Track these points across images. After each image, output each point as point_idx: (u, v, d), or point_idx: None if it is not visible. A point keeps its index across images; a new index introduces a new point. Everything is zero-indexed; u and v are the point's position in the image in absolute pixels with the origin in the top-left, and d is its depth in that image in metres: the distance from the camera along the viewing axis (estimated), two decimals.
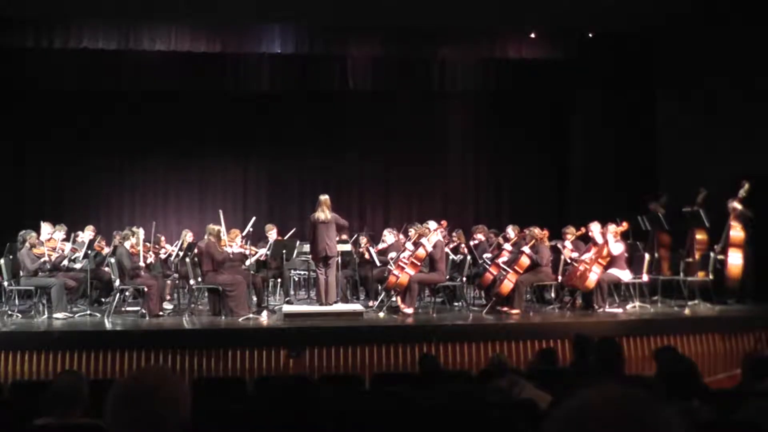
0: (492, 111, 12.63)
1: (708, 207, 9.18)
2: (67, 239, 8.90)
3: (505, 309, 8.30)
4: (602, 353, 3.83)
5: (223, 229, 8.43)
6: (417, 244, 8.53)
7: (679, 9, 9.81)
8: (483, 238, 9.51)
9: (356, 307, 8.44)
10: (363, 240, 9.83)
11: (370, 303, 8.95)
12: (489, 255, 9.16)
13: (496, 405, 3.66)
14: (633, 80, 11.27)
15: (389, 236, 9.58)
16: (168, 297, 8.88)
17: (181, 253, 9.20)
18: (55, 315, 7.76)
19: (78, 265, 8.78)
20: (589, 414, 1.02)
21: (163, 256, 9.57)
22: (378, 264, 9.23)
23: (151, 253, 8.80)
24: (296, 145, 12.25)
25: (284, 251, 8.93)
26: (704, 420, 3.00)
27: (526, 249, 8.41)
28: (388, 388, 4.71)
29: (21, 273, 8.10)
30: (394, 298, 8.63)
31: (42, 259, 8.01)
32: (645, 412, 1.01)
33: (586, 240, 8.86)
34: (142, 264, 8.20)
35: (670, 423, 1.01)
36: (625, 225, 8.60)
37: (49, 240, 8.42)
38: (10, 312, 8.04)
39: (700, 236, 9.21)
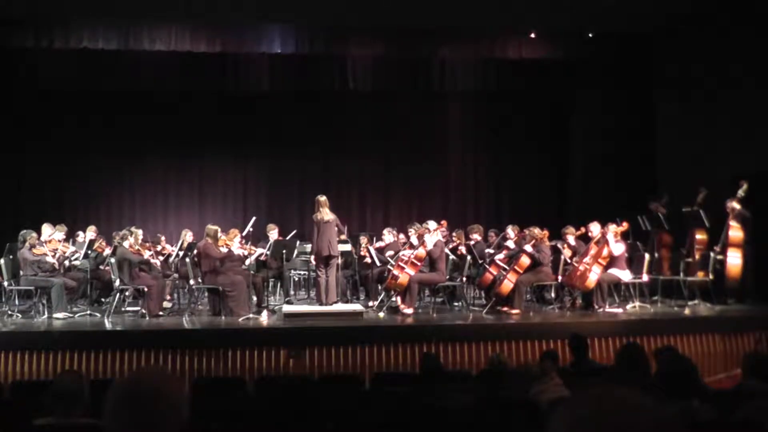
0: (492, 111, 12.64)
1: (708, 207, 9.18)
2: (66, 239, 8.90)
3: (505, 309, 8.29)
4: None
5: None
6: (416, 244, 8.53)
7: (679, 9, 9.81)
8: (479, 238, 9.50)
9: (356, 307, 8.44)
10: (363, 240, 9.83)
11: (370, 303, 8.95)
12: (491, 250, 9.17)
13: (497, 405, 3.66)
14: (633, 80, 11.28)
15: (388, 236, 9.61)
16: (168, 297, 8.89)
17: (181, 253, 9.20)
18: (55, 315, 7.75)
19: (76, 262, 8.78)
20: (592, 416, 1.02)
21: (163, 256, 9.57)
22: (378, 264, 9.24)
23: (152, 252, 8.81)
24: (296, 145, 12.25)
25: (284, 251, 8.93)
26: (704, 420, 3.00)
27: (528, 248, 8.40)
28: (388, 388, 4.71)
29: (21, 273, 8.11)
30: (394, 298, 8.63)
31: (37, 274, 7.99)
32: (646, 414, 1.01)
33: (586, 240, 8.86)
34: (148, 264, 8.17)
35: (670, 424, 1.01)
36: (625, 225, 8.59)
37: (50, 241, 8.43)
38: (10, 312, 8.03)
39: (700, 236, 9.21)
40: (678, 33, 10.56)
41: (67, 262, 8.65)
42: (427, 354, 5.52)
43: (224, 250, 8.35)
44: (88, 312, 8.18)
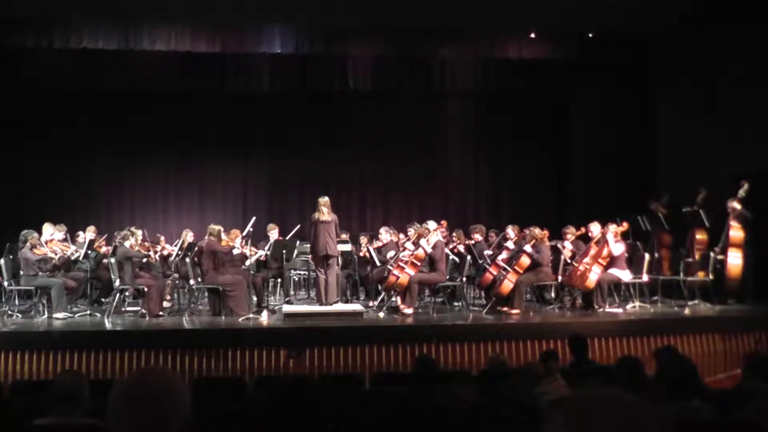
0: (492, 111, 12.63)
1: (708, 207, 9.18)
2: (66, 239, 8.90)
3: (505, 309, 8.29)
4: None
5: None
6: (416, 244, 8.53)
7: (679, 9, 9.81)
8: (480, 238, 9.51)
9: (356, 307, 8.44)
10: (363, 240, 9.83)
11: (370, 303, 8.95)
12: (489, 252, 9.17)
13: (496, 405, 3.66)
14: (633, 80, 11.28)
15: (385, 235, 9.60)
16: (168, 297, 8.89)
17: (181, 253, 9.20)
18: (55, 315, 7.75)
19: (78, 255, 8.80)
20: (589, 416, 1.02)
21: (163, 256, 9.57)
22: (378, 264, 9.24)
23: (151, 252, 8.82)
24: (296, 145, 12.25)
25: (284, 251, 8.94)
26: (704, 420, 3.00)
27: (528, 248, 8.40)
28: (388, 388, 4.71)
29: (21, 273, 8.11)
30: (394, 298, 8.63)
31: (37, 274, 7.99)
32: (643, 414, 1.01)
33: (586, 240, 8.86)
34: (149, 263, 8.22)
35: (668, 424, 1.02)
36: (625, 225, 8.59)
37: (51, 241, 8.43)
38: (10, 312, 8.04)
39: (700, 236, 9.21)
40: (678, 33, 10.56)
41: (72, 254, 8.66)
42: (423, 356, 5.51)
43: (235, 251, 8.42)
44: (88, 312, 8.18)
